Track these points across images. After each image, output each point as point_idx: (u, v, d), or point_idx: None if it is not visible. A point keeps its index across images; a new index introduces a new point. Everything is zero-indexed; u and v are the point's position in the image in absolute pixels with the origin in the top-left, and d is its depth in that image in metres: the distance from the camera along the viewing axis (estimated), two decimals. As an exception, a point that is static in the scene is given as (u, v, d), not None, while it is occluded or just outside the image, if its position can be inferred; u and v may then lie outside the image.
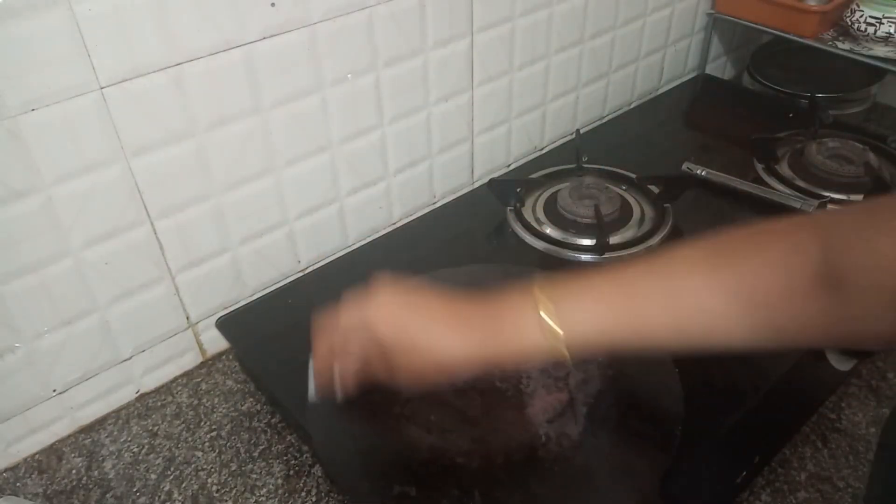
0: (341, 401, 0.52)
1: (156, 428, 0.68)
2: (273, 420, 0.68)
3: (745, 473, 0.56)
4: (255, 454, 0.65)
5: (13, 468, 0.65)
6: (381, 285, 0.50)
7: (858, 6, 0.98)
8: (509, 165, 0.98)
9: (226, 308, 0.75)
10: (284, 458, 0.64)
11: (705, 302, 0.43)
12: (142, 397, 0.72)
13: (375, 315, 0.48)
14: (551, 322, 0.45)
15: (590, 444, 0.54)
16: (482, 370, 0.48)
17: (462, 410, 0.57)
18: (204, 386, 0.73)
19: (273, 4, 0.63)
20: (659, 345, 0.46)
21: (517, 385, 0.58)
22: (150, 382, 0.73)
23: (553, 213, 0.84)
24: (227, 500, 0.61)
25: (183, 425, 0.68)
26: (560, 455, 0.53)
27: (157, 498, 0.62)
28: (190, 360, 0.75)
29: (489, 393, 0.58)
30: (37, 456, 0.66)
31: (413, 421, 0.56)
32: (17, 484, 0.64)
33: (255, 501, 0.61)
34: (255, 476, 0.63)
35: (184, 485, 0.63)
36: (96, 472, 0.64)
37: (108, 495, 0.62)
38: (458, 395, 0.58)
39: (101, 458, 0.65)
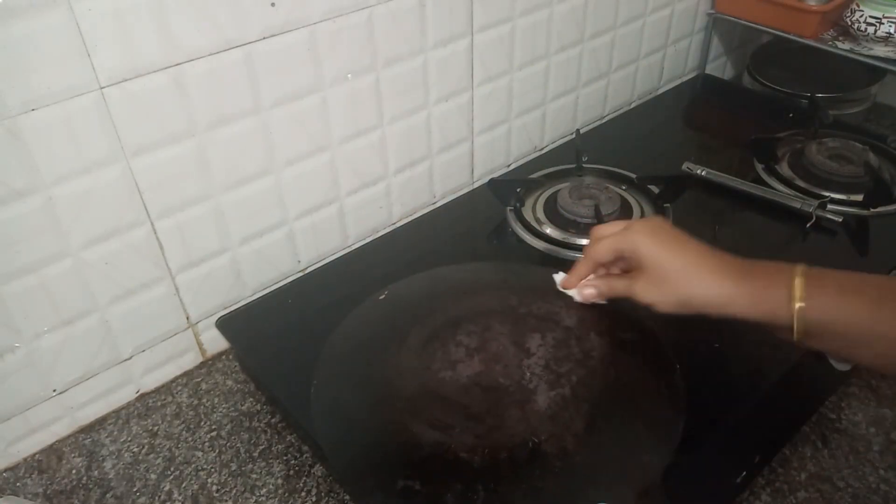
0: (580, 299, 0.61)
1: (156, 428, 0.68)
2: (273, 420, 0.68)
3: (745, 473, 0.56)
4: (255, 454, 0.65)
5: (13, 468, 0.65)
6: (653, 217, 0.58)
7: (858, 6, 0.98)
8: (509, 165, 0.98)
9: (226, 308, 0.75)
10: (284, 458, 0.64)
11: None
12: (142, 397, 0.72)
13: (651, 233, 0.54)
14: (798, 291, 0.47)
15: (592, 440, 0.54)
16: (721, 316, 0.51)
17: (465, 407, 0.57)
18: (204, 386, 0.73)
19: (273, 4, 0.63)
20: (880, 355, 0.47)
21: (520, 381, 0.59)
22: (150, 382, 0.73)
23: (553, 213, 0.84)
24: (227, 500, 0.61)
25: (183, 425, 0.68)
26: (563, 451, 0.53)
27: (157, 498, 0.62)
28: (190, 360, 0.75)
29: (492, 389, 0.58)
30: (37, 456, 0.66)
31: (417, 417, 0.56)
32: (17, 484, 0.64)
33: (255, 501, 0.61)
34: (255, 476, 0.63)
35: (184, 485, 0.63)
36: (96, 472, 0.64)
37: (108, 495, 0.62)
38: (462, 391, 0.58)
39: (101, 458, 0.66)
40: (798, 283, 0.48)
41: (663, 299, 0.53)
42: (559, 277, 0.64)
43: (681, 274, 0.52)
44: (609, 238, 0.57)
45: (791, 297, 0.48)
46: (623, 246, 0.55)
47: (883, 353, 0.46)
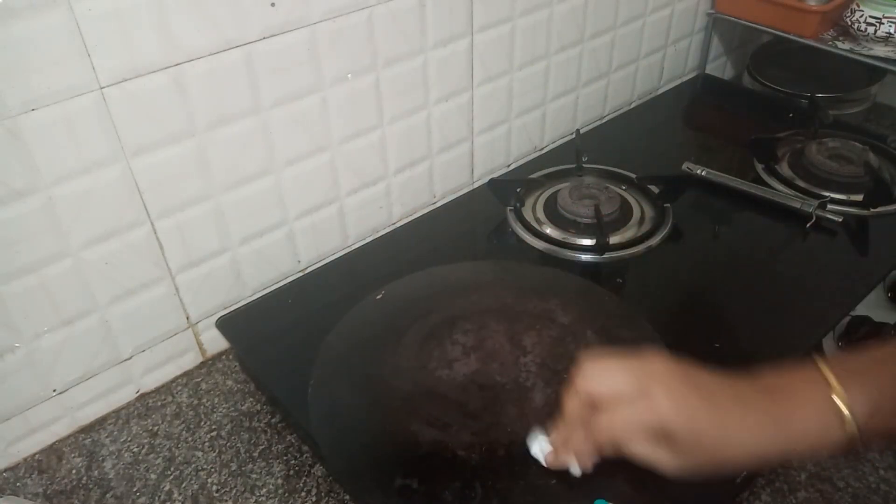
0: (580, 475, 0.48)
1: (156, 428, 0.68)
2: (273, 420, 0.68)
3: (745, 473, 0.56)
4: (255, 454, 0.65)
5: (13, 468, 0.65)
6: (652, 356, 0.45)
7: (858, 6, 0.98)
8: (509, 165, 0.98)
9: (226, 308, 0.75)
10: (284, 458, 0.64)
11: None
12: (142, 397, 0.72)
13: (675, 399, 0.43)
14: (846, 410, 0.40)
15: None
16: (768, 465, 0.44)
17: (463, 404, 0.57)
18: (204, 386, 0.73)
19: (273, 4, 0.63)
20: None
21: (516, 379, 0.59)
22: (150, 382, 0.73)
23: (553, 213, 0.84)
24: (227, 500, 0.61)
25: (183, 425, 0.68)
26: None
27: (157, 498, 0.62)
28: (190, 360, 0.75)
29: (489, 387, 0.58)
30: (37, 456, 0.66)
31: (415, 415, 0.57)
32: (17, 484, 0.64)
33: (255, 501, 0.61)
34: (255, 476, 0.63)
35: (184, 485, 0.63)
36: (96, 472, 0.64)
37: (108, 495, 0.62)
38: (459, 389, 0.58)
39: (101, 458, 0.66)
40: (835, 389, 0.41)
41: (697, 467, 0.44)
42: (540, 448, 0.52)
43: (717, 441, 0.43)
44: (625, 412, 0.44)
45: (836, 410, 0.41)
46: (651, 423, 0.44)
47: None
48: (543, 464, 0.51)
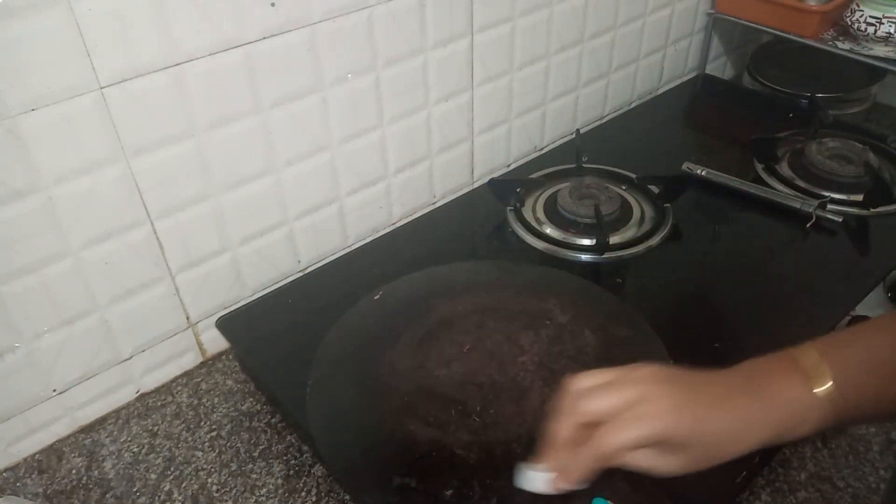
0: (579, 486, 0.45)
1: (156, 428, 0.68)
2: (273, 420, 0.68)
3: (745, 473, 0.56)
4: (255, 454, 0.65)
5: (13, 468, 0.65)
6: (638, 366, 0.45)
7: (858, 6, 0.98)
8: (509, 165, 0.98)
9: (226, 308, 0.75)
10: (284, 458, 0.64)
11: None
12: (142, 397, 0.72)
13: (662, 403, 0.42)
14: (823, 393, 0.42)
15: None
16: (759, 449, 0.43)
17: (461, 404, 0.57)
18: (204, 386, 0.73)
19: (273, 4, 0.63)
20: None
21: (514, 378, 0.59)
22: (150, 382, 0.73)
23: (553, 213, 0.84)
24: (227, 500, 0.61)
25: (183, 425, 0.68)
26: None
27: (157, 498, 0.62)
28: (190, 360, 0.75)
29: (487, 386, 0.58)
30: (37, 456, 0.66)
31: (413, 415, 0.57)
32: (17, 484, 0.64)
33: (255, 501, 0.61)
34: (255, 476, 0.63)
35: (184, 485, 0.63)
36: (96, 472, 0.64)
37: (108, 495, 0.62)
38: (458, 389, 0.58)
39: (101, 458, 0.66)
40: (809, 374, 0.42)
41: (697, 466, 0.44)
42: (539, 477, 0.46)
43: (719, 439, 0.43)
44: (627, 423, 0.42)
45: (813, 395, 0.42)
46: (656, 431, 0.42)
47: None
48: (546, 493, 0.46)
